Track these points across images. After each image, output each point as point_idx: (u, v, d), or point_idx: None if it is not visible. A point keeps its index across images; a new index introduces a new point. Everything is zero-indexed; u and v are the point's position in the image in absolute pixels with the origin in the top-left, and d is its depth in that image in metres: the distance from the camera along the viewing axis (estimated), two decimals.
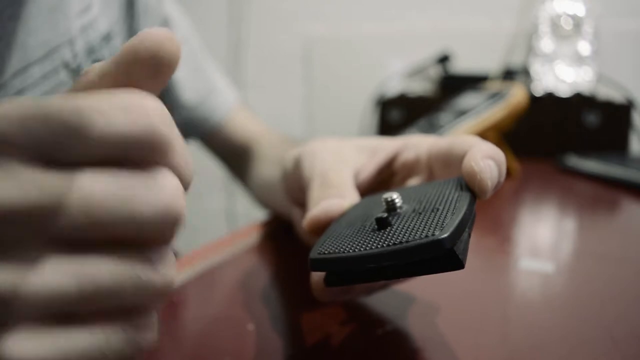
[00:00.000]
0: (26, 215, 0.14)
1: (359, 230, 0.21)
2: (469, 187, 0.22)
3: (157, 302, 0.16)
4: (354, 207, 0.25)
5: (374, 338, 0.26)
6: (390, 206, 0.22)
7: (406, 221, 0.20)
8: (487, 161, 0.22)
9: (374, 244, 0.19)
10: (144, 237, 0.16)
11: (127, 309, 0.16)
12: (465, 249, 0.19)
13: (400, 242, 0.18)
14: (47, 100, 0.14)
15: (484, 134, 0.65)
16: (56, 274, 0.15)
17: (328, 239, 0.22)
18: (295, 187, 0.32)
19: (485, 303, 0.31)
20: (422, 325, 0.28)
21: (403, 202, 0.23)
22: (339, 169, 0.29)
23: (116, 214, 0.15)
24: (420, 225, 0.19)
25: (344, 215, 0.25)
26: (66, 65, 0.39)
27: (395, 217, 0.21)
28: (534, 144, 0.87)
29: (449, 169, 0.26)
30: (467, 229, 0.20)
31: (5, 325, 0.14)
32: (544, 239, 0.46)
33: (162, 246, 0.16)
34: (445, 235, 0.18)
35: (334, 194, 0.26)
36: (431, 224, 0.19)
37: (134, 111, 0.15)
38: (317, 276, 0.25)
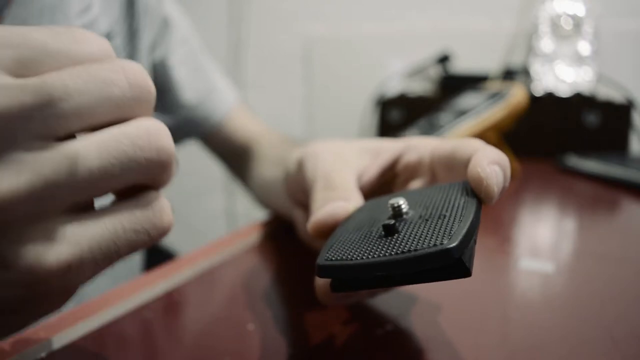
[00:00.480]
0: (8, 118, 0.15)
1: (365, 236, 0.21)
2: (475, 192, 0.22)
3: (157, 173, 0.18)
4: (359, 211, 0.25)
5: (374, 338, 0.26)
6: (397, 212, 0.22)
7: (413, 228, 0.20)
8: (493, 167, 0.22)
9: (382, 252, 0.19)
10: (126, 114, 0.18)
11: (137, 188, 0.18)
12: (472, 256, 0.19)
13: (409, 251, 0.18)
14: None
15: (484, 134, 0.65)
16: (48, 165, 0.16)
17: (335, 245, 0.22)
18: (298, 188, 0.32)
19: (485, 303, 0.31)
20: (422, 325, 0.28)
21: (409, 208, 0.22)
22: (342, 171, 0.28)
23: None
24: (427, 233, 0.19)
25: (349, 218, 0.25)
26: None
27: (402, 224, 0.21)
28: (534, 144, 0.87)
29: (452, 172, 0.26)
30: (473, 237, 0.20)
31: (14, 230, 0.16)
32: (544, 239, 0.46)
33: (148, 122, 0.18)
34: (454, 244, 0.17)
35: (338, 196, 0.26)
36: (439, 231, 0.19)
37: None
38: (321, 280, 0.25)
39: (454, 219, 0.20)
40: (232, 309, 0.30)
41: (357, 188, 0.28)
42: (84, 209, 0.17)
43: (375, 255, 0.19)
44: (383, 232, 0.20)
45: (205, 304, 0.32)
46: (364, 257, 0.19)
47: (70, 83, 0.16)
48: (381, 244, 0.20)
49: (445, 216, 0.20)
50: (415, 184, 0.29)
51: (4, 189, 0.15)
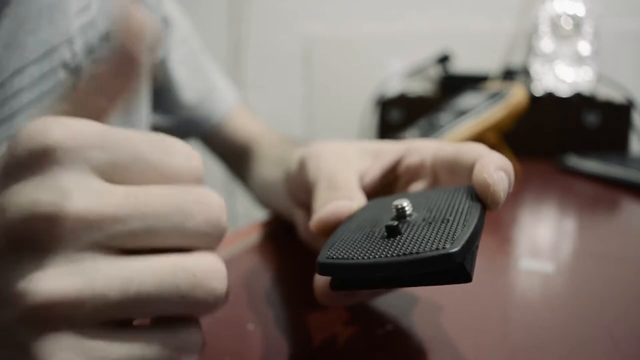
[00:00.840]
0: (87, 222, 0.15)
1: (368, 236, 0.21)
2: (481, 198, 0.22)
3: (201, 312, 0.17)
4: (362, 210, 0.25)
5: (374, 338, 0.26)
6: (400, 213, 0.22)
7: (416, 230, 0.20)
8: (500, 172, 0.22)
9: (384, 253, 0.19)
10: (191, 245, 0.17)
11: (169, 319, 0.17)
12: (473, 261, 0.19)
13: (411, 253, 0.18)
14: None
15: (484, 134, 0.65)
16: (102, 277, 0.15)
17: (337, 243, 0.22)
18: (299, 188, 0.32)
19: (485, 303, 0.31)
20: (422, 325, 0.28)
21: (413, 210, 0.22)
22: (345, 171, 0.28)
23: (168, 220, 0.17)
24: (430, 236, 0.19)
25: (351, 217, 0.25)
26: (65, 65, 0.39)
27: (405, 225, 0.21)
28: (534, 144, 0.87)
29: (454, 176, 0.26)
30: (476, 242, 0.20)
31: (51, 330, 0.15)
32: (544, 239, 0.46)
33: (209, 260, 0.18)
34: (456, 249, 0.17)
35: (341, 196, 0.26)
36: (442, 235, 0.19)
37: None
38: (321, 280, 0.25)
39: (458, 223, 0.20)
40: (232, 309, 0.30)
41: (360, 188, 0.28)
42: (120, 323, 0.17)
43: (377, 256, 0.19)
44: (386, 233, 0.20)
45: None
46: (366, 257, 0.19)
47: (151, 205, 0.16)
48: (383, 245, 0.20)
49: (448, 220, 0.20)
50: (417, 187, 0.29)
51: (55, 288, 0.15)
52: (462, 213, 0.21)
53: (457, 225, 0.19)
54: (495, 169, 0.22)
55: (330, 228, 0.25)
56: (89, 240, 0.16)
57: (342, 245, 0.21)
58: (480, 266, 0.36)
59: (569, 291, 0.34)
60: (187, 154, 0.18)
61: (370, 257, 0.19)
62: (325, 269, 0.20)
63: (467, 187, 0.23)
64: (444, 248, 0.18)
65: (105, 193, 0.16)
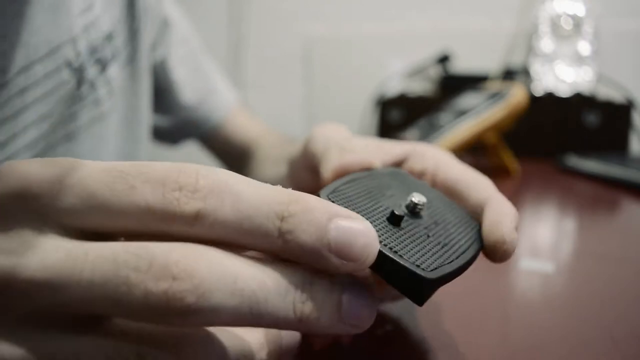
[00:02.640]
0: (10, 284, 0.14)
1: (371, 206, 0.21)
2: (488, 249, 0.22)
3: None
4: (378, 174, 0.25)
5: (374, 338, 0.26)
6: (412, 209, 0.21)
7: (413, 235, 0.20)
8: (515, 232, 0.22)
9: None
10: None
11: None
12: (435, 291, 0.19)
13: (395, 252, 0.18)
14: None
15: (484, 134, 0.65)
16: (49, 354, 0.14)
17: (341, 189, 0.21)
18: (305, 170, 0.31)
19: (485, 303, 0.31)
20: (422, 325, 0.28)
21: (425, 210, 0.22)
22: (354, 144, 0.28)
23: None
24: (420, 249, 0.19)
25: (365, 175, 0.24)
26: (69, 64, 0.39)
27: (408, 223, 0.21)
28: (534, 144, 0.87)
29: (452, 199, 0.26)
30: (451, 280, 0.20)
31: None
32: (544, 239, 0.46)
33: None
34: (432, 277, 0.18)
35: (357, 155, 0.26)
36: (429, 256, 0.19)
37: None
38: None
39: (450, 254, 0.20)
40: None
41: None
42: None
43: None
44: (388, 216, 0.20)
45: None
46: None
47: (96, 271, 0.14)
48: (378, 226, 0.19)
49: (445, 245, 0.20)
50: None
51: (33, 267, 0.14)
52: (459, 247, 0.21)
53: (448, 257, 0.19)
54: (512, 227, 0.22)
55: (340, 175, 0.24)
56: (27, 306, 0.14)
57: (344, 197, 0.21)
58: (481, 266, 0.36)
59: (569, 291, 0.34)
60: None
61: None
62: None
63: (477, 223, 0.23)
64: (422, 270, 0.18)
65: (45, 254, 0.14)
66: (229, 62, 1.29)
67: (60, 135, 0.40)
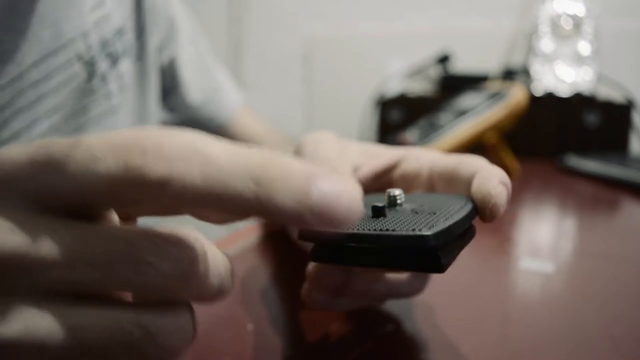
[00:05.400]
0: (19, 263, 0.14)
1: None
2: (478, 208, 0.22)
3: None
4: None
5: (374, 338, 0.26)
6: (392, 200, 0.22)
7: (401, 216, 0.21)
8: (501, 187, 0.22)
9: (362, 227, 0.20)
10: (152, 295, 0.16)
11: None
12: (451, 256, 0.20)
13: (387, 230, 0.19)
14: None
15: (484, 134, 0.65)
16: (44, 326, 0.14)
17: None
18: None
19: (485, 303, 0.31)
20: (422, 326, 0.28)
21: (405, 201, 0.23)
22: (342, 163, 0.28)
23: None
24: (412, 222, 0.19)
25: None
26: (80, 58, 0.40)
27: (392, 211, 0.22)
28: (534, 144, 0.87)
29: (452, 186, 0.26)
30: (459, 240, 0.21)
31: None
32: (544, 239, 0.46)
33: (171, 316, 0.16)
34: (430, 233, 0.18)
35: None
36: (423, 223, 0.19)
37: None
38: (306, 285, 0.26)
39: (442, 216, 0.20)
40: (231, 309, 0.30)
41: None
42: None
43: (354, 229, 0.19)
44: (370, 213, 0.21)
45: (205, 304, 0.32)
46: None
47: (100, 253, 0.14)
48: (365, 222, 0.20)
49: (435, 213, 0.21)
50: None
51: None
52: (450, 210, 0.21)
53: (441, 218, 0.20)
54: (497, 182, 0.22)
55: None
56: (29, 284, 0.14)
57: None
58: (481, 266, 0.36)
59: (569, 291, 0.34)
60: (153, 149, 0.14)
61: (349, 229, 0.19)
62: (303, 235, 0.21)
63: (466, 196, 0.24)
64: (419, 231, 0.18)
65: (46, 231, 0.14)
66: (229, 62, 1.29)
67: (71, 128, 0.41)
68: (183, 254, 0.15)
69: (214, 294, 0.17)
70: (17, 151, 0.15)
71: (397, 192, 0.22)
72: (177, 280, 0.15)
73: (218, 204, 0.14)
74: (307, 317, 0.28)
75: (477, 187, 0.23)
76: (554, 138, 0.88)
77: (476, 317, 0.29)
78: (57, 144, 0.15)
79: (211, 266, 0.16)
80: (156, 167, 0.14)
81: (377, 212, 0.21)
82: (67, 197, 0.15)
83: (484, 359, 0.24)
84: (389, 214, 0.21)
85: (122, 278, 0.14)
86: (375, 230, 0.19)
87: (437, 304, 0.30)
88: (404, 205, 0.22)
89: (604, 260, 0.39)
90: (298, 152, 0.31)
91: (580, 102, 0.88)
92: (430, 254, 0.19)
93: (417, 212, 0.21)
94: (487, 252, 0.40)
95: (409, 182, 0.29)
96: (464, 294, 0.32)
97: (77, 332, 0.14)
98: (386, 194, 0.23)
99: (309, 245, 0.33)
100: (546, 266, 0.37)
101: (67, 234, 0.14)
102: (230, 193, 0.14)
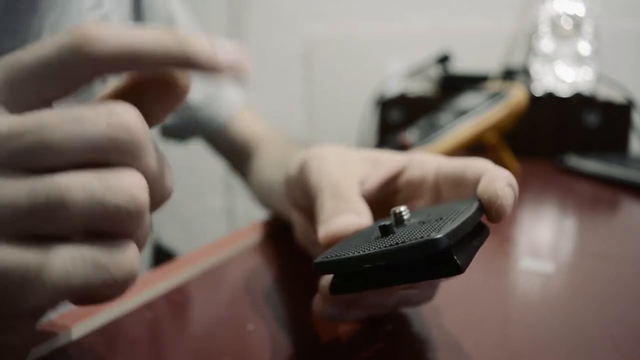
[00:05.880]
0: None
1: (364, 238, 0.22)
2: (485, 209, 0.22)
3: (115, 292, 0.17)
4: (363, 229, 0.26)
5: (374, 338, 0.26)
6: (398, 218, 0.22)
7: (409, 229, 0.20)
8: (508, 188, 0.22)
9: (373, 247, 0.20)
10: (106, 226, 0.17)
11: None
12: (468, 256, 0.20)
13: (397, 244, 0.19)
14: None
15: (484, 134, 0.65)
16: (9, 190, 0.16)
17: (335, 247, 0.23)
18: (298, 191, 0.32)
19: (485, 303, 0.31)
20: (422, 325, 0.28)
21: (411, 216, 0.23)
22: (347, 179, 0.28)
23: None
24: (420, 231, 0.19)
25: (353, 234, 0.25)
26: None
27: (401, 228, 0.22)
28: (534, 144, 0.87)
29: (459, 190, 0.26)
30: (472, 239, 0.21)
31: None
32: (544, 239, 0.46)
33: (125, 237, 0.18)
34: (440, 235, 0.18)
35: (348, 208, 0.26)
36: (431, 229, 0.19)
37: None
38: (317, 295, 0.26)
39: (450, 219, 0.20)
40: (232, 309, 0.30)
41: (362, 198, 0.28)
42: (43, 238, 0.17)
43: (366, 250, 0.19)
44: (379, 233, 0.21)
45: (205, 304, 0.32)
46: (356, 252, 0.20)
47: (46, 118, 0.16)
48: (375, 242, 0.20)
49: (442, 219, 0.20)
50: (418, 205, 0.29)
51: None
52: (456, 212, 0.21)
53: (448, 221, 0.20)
54: (504, 183, 0.22)
55: (338, 241, 0.25)
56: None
57: (338, 247, 0.22)
58: (481, 266, 0.36)
59: (569, 291, 0.34)
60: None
61: (361, 252, 0.19)
62: (318, 268, 0.21)
63: (471, 197, 0.24)
64: (428, 236, 0.18)
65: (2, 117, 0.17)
66: None
67: None
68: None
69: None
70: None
71: (402, 208, 0.23)
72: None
73: (139, 54, 0.18)
74: (307, 317, 0.28)
75: (483, 187, 0.23)
76: (554, 138, 0.88)
77: (476, 317, 0.29)
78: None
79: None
80: (84, 30, 0.17)
81: (386, 231, 0.21)
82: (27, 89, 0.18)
83: (484, 359, 0.24)
84: (397, 230, 0.21)
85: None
86: (385, 247, 0.19)
87: (438, 304, 0.30)
88: (411, 220, 0.23)
89: (604, 260, 0.39)
90: (303, 169, 0.31)
91: (580, 102, 0.88)
92: (445, 256, 0.19)
93: (424, 222, 0.21)
94: (487, 252, 0.40)
95: (414, 188, 0.29)
96: (464, 294, 0.32)
97: (41, 192, 0.16)
98: (391, 212, 0.23)
99: (310, 246, 0.33)
100: (546, 266, 0.37)
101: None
102: (151, 44, 0.18)
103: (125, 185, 0.17)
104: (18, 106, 0.18)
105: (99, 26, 0.17)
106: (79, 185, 0.16)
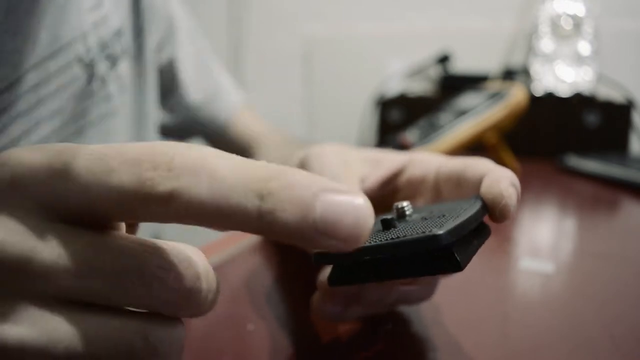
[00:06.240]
0: (26, 267, 0.14)
1: None
2: (489, 209, 0.22)
3: None
4: None
5: (374, 338, 0.26)
6: (400, 213, 0.22)
7: (411, 225, 0.21)
8: (512, 188, 0.22)
9: (374, 240, 0.20)
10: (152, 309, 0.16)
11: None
12: (468, 254, 0.20)
13: (398, 237, 0.19)
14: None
15: (484, 134, 0.65)
16: (50, 330, 0.14)
17: None
18: None
19: (485, 303, 0.31)
20: (422, 325, 0.28)
21: (414, 212, 0.23)
22: (349, 179, 0.28)
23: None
24: (422, 227, 0.19)
25: None
26: (79, 60, 0.40)
27: (403, 222, 0.22)
28: (534, 144, 0.87)
29: (460, 189, 0.26)
30: (473, 238, 0.21)
31: None
32: (544, 239, 0.46)
33: (168, 327, 0.16)
34: (442, 232, 0.18)
35: None
36: (433, 225, 0.19)
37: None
38: (316, 293, 0.25)
39: (452, 217, 0.20)
40: (232, 309, 0.30)
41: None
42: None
43: (366, 243, 0.19)
44: (381, 227, 0.21)
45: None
46: None
47: (108, 263, 0.15)
48: (376, 236, 0.20)
49: (444, 216, 0.21)
50: (419, 203, 0.29)
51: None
52: (459, 210, 0.21)
53: (451, 218, 0.20)
54: (508, 183, 0.22)
55: None
56: (36, 288, 0.14)
57: None
58: (481, 266, 0.36)
59: (569, 291, 0.34)
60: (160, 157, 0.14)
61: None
62: (318, 258, 0.21)
63: (474, 196, 0.24)
64: (430, 232, 0.18)
65: (56, 237, 0.14)
66: (229, 62, 1.29)
67: (71, 131, 0.40)
68: (189, 270, 0.15)
69: (207, 310, 0.17)
70: (31, 155, 0.15)
71: (404, 203, 0.23)
72: (182, 296, 0.15)
73: (223, 218, 0.14)
74: (307, 317, 0.28)
75: (487, 187, 0.23)
76: (554, 138, 0.88)
77: (476, 316, 0.29)
78: (71, 150, 0.15)
79: (211, 283, 0.17)
80: (164, 182, 0.14)
81: (387, 225, 0.21)
82: (78, 206, 0.15)
83: (484, 359, 0.24)
84: (399, 224, 0.21)
85: (130, 290, 0.15)
86: (386, 240, 0.19)
87: (437, 303, 0.30)
88: (413, 216, 0.23)
89: (604, 260, 0.39)
90: (303, 166, 0.31)
91: (580, 102, 0.88)
92: (445, 253, 0.19)
93: (426, 219, 0.21)
94: (487, 252, 0.40)
95: (415, 187, 0.29)
96: (464, 294, 0.32)
97: (82, 338, 0.14)
98: (394, 207, 0.23)
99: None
100: (546, 266, 0.37)
101: (77, 242, 0.14)
102: (234, 208, 0.14)
103: (162, 348, 0.16)
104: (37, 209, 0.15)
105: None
106: (118, 340, 0.15)
